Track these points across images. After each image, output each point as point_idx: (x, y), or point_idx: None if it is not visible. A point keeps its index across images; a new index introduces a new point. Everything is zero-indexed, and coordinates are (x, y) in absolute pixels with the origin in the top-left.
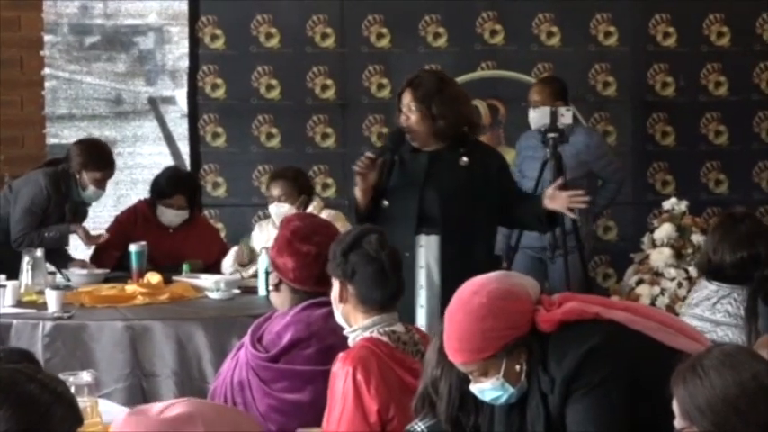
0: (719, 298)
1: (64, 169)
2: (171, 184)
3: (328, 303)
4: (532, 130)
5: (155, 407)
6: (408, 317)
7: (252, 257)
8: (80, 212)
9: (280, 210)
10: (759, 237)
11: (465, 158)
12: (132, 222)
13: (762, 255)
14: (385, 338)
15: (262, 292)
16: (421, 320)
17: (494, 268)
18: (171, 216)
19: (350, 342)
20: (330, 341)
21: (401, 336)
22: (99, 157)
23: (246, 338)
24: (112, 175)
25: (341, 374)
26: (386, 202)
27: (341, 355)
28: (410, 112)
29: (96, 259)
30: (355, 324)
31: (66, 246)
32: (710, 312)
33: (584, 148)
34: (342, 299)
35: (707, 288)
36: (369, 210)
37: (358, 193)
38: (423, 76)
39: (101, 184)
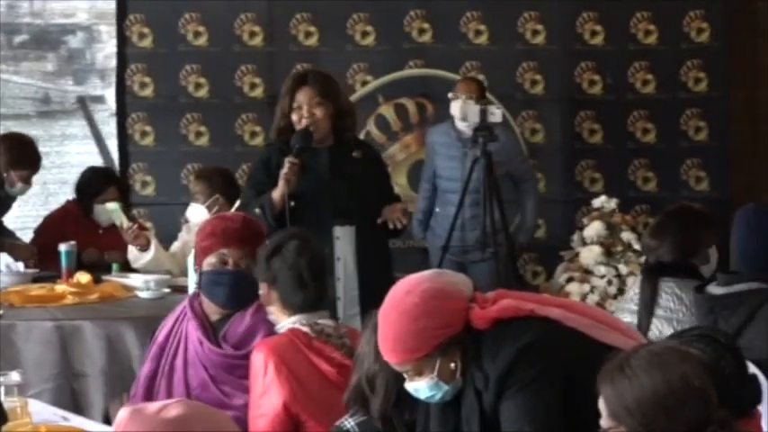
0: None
1: None
2: (101, 180)
3: None
4: (443, 126)
5: (150, 406)
6: (329, 310)
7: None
8: (4, 206)
9: (191, 209)
10: (693, 227)
11: (357, 152)
12: (62, 222)
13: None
14: (305, 329)
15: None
16: (339, 312)
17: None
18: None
19: None
20: None
21: (324, 328)
22: (26, 155)
23: (198, 338)
24: (39, 169)
25: (255, 359)
26: (292, 203)
27: (257, 342)
28: (315, 108)
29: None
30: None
31: None
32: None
33: (500, 147)
34: (268, 302)
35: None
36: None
37: (278, 196)
38: (314, 74)
39: (28, 180)
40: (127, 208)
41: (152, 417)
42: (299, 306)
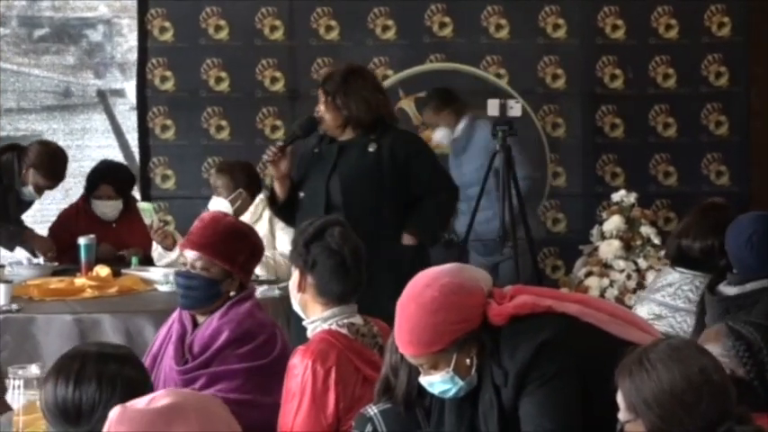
0: (681, 284)
1: (9, 159)
2: (96, 176)
3: (249, 298)
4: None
5: (141, 401)
6: None
7: (174, 239)
8: (24, 204)
9: (213, 202)
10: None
11: (373, 145)
12: (74, 218)
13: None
14: (344, 330)
15: None
16: None
17: (403, 254)
18: (103, 208)
19: (309, 333)
20: (262, 338)
21: (360, 328)
22: (52, 167)
23: (170, 351)
24: (54, 188)
25: (299, 367)
26: (301, 194)
27: (300, 348)
28: (320, 104)
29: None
30: (313, 315)
31: (12, 250)
32: (671, 298)
33: (489, 143)
34: (300, 288)
35: (671, 275)
36: (288, 201)
37: (275, 183)
38: (334, 70)
39: (39, 190)
40: (126, 203)
41: (141, 411)
42: (337, 294)
